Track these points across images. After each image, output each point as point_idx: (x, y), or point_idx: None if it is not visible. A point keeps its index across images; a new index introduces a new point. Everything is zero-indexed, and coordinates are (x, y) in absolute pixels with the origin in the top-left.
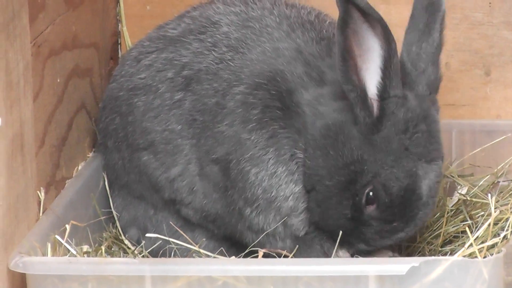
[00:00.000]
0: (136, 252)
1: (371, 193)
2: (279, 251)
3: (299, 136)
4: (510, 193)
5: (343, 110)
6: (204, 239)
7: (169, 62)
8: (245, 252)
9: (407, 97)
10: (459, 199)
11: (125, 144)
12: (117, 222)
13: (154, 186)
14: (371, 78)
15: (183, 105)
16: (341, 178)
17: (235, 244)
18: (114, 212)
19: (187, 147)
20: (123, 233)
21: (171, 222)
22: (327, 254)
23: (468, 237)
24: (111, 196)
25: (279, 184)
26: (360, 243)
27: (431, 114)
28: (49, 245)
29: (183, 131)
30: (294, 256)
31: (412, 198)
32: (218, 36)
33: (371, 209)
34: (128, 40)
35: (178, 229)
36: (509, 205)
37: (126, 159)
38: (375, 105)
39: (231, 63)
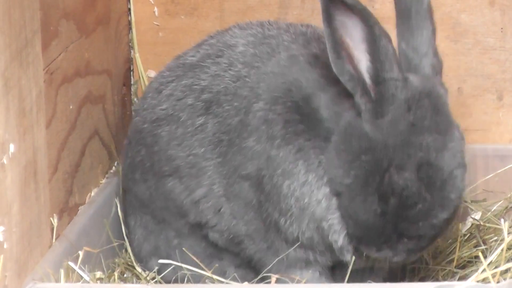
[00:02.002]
0: (149, 278)
1: (391, 180)
2: (293, 277)
3: (325, 143)
4: None
5: (351, 106)
6: (233, 267)
7: (189, 88)
8: (259, 277)
9: (408, 80)
10: (472, 224)
11: (152, 173)
12: (129, 248)
13: (180, 211)
14: (364, 65)
15: (205, 129)
16: (356, 171)
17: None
18: (125, 238)
19: (211, 167)
20: (143, 264)
21: (186, 251)
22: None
23: (482, 262)
24: (132, 228)
25: (311, 191)
26: (400, 239)
27: (435, 90)
28: (62, 272)
29: (207, 153)
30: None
31: (430, 172)
32: (234, 56)
33: (397, 197)
34: (140, 66)
35: (195, 259)
36: None
37: (152, 188)
38: (372, 90)
39: (248, 79)
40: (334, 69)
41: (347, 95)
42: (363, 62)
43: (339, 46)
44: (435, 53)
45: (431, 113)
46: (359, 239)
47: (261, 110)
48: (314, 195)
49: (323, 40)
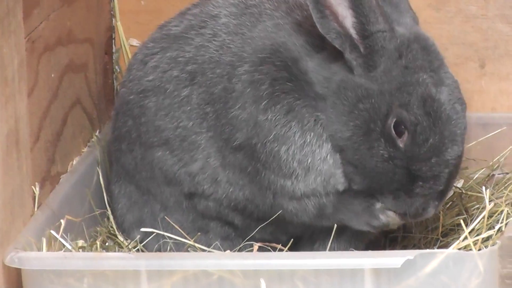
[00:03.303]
0: (131, 247)
1: (395, 121)
2: (274, 245)
3: (316, 101)
4: (505, 185)
5: (341, 68)
6: (219, 239)
7: (174, 60)
8: (241, 245)
9: (394, 30)
10: (454, 192)
11: (138, 143)
12: (111, 217)
13: (171, 181)
14: (349, 21)
15: (191, 101)
16: (355, 122)
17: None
18: (107, 207)
19: (203, 141)
20: (126, 234)
21: (170, 221)
22: (372, 204)
23: (463, 230)
24: (116, 196)
25: (313, 151)
26: (415, 182)
27: (421, 34)
28: (44, 240)
29: (196, 127)
30: (337, 212)
31: (435, 106)
32: (218, 27)
33: (404, 139)
34: (122, 35)
35: (178, 228)
36: (503, 198)
37: (138, 158)
38: (360, 45)
39: (231, 46)
40: (320, 29)
41: (334, 59)
42: (348, 18)
43: (322, 5)
44: (410, 7)
45: (422, 54)
46: (373, 190)
47: (246, 73)
48: (317, 154)
49: (306, 8)
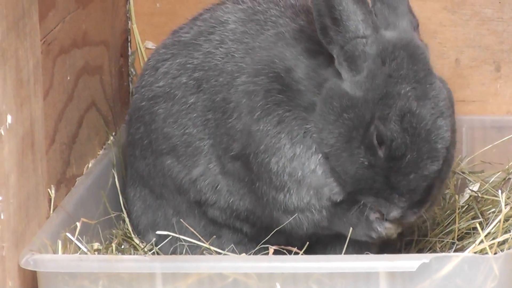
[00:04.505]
0: (146, 249)
1: (379, 132)
2: (290, 248)
3: (307, 114)
4: None
5: (333, 74)
6: (232, 244)
7: (183, 67)
8: (255, 249)
9: (379, 35)
10: (470, 196)
11: (150, 150)
12: (126, 219)
13: (179, 189)
14: (331, 29)
15: (196, 108)
16: (340, 130)
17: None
18: (123, 209)
19: (206, 147)
20: (141, 237)
21: (183, 222)
22: (367, 217)
23: (479, 233)
24: (131, 199)
25: (302, 163)
26: (392, 192)
27: (413, 41)
28: (59, 243)
29: (199, 133)
30: (333, 225)
31: (413, 122)
32: (225, 33)
33: (387, 149)
34: (138, 37)
35: (193, 230)
36: None
37: (151, 165)
38: (342, 50)
39: (235, 55)
40: (318, 34)
41: (329, 65)
42: (330, 26)
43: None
44: (410, 10)
45: (407, 63)
46: (354, 192)
47: (243, 84)
48: (306, 167)
49: (311, 11)
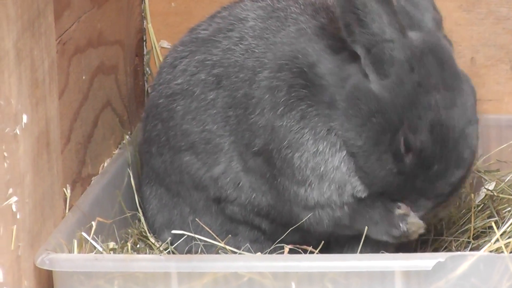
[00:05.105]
0: (161, 248)
1: (407, 141)
2: (305, 247)
3: (330, 110)
4: None
5: (357, 71)
6: (248, 242)
7: (201, 63)
8: (271, 247)
9: (407, 39)
10: (486, 195)
11: (167, 147)
12: (142, 218)
13: (198, 186)
14: (358, 31)
15: (216, 104)
16: (368, 133)
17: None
18: (139, 208)
19: (226, 145)
20: (156, 235)
21: (199, 222)
22: (391, 211)
23: (495, 232)
24: (147, 198)
25: (326, 159)
26: (418, 196)
27: (439, 45)
28: (75, 242)
29: (219, 130)
30: (354, 222)
31: (442, 132)
32: (245, 30)
33: (415, 158)
34: (153, 37)
35: (208, 230)
36: None
37: (168, 162)
38: (369, 54)
39: (256, 50)
40: (343, 32)
41: (353, 61)
42: (354, 26)
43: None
44: (434, 7)
45: (436, 70)
46: (379, 193)
47: (265, 79)
48: (329, 163)
49: (332, 9)
